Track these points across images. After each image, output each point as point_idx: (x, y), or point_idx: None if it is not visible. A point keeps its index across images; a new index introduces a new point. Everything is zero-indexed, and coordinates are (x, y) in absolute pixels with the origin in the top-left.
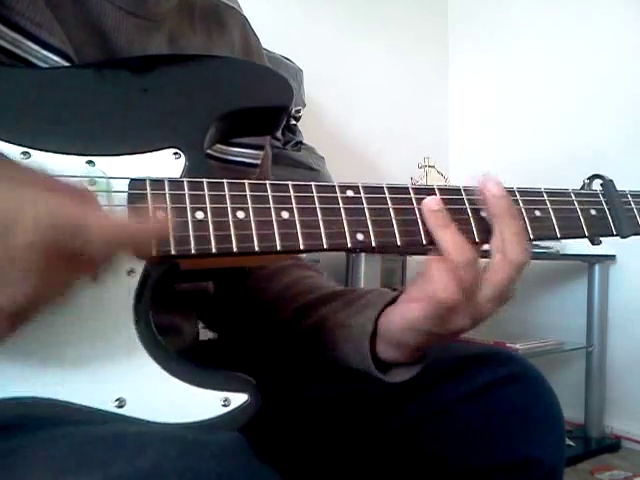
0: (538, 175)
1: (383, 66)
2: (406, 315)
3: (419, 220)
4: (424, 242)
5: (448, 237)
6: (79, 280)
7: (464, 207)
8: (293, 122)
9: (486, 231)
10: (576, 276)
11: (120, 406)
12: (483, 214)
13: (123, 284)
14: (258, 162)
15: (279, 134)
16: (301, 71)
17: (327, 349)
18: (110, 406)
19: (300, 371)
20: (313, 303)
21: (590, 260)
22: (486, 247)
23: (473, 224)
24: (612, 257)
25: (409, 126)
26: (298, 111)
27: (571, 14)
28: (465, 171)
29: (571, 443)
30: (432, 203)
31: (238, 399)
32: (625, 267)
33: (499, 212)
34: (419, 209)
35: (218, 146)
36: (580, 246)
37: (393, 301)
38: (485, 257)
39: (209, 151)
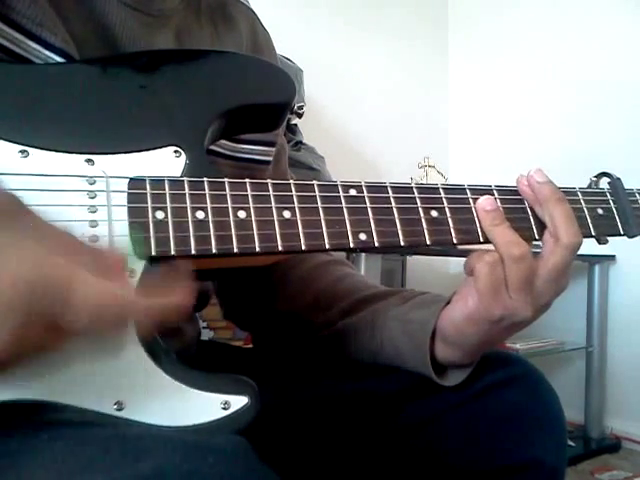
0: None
1: (383, 66)
2: (464, 310)
3: (423, 219)
4: (428, 242)
5: (506, 233)
6: (62, 344)
7: (470, 206)
8: (294, 122)
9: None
10: (576, 276)
11: (119, 409)
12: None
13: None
14: (269, 159)
15: None
16: (301, 71)
17: (376, 344)
18: (109, 409)
19: (301, 372)
20: (366, 299)
21: (590, 260)
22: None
23: (477, 222)
24: (612, 257)
25: (409, 126)
26: (301, 107)
27: (571, 13)
28: (465, 171)
29: (571, 443)
30: (486, 203)
31: (238, 402)
32: (625, 267)
33: (546, 197)
34: (422, 208)
35: (227, 143)
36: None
37: (449, 302)
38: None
39: (218, 149)
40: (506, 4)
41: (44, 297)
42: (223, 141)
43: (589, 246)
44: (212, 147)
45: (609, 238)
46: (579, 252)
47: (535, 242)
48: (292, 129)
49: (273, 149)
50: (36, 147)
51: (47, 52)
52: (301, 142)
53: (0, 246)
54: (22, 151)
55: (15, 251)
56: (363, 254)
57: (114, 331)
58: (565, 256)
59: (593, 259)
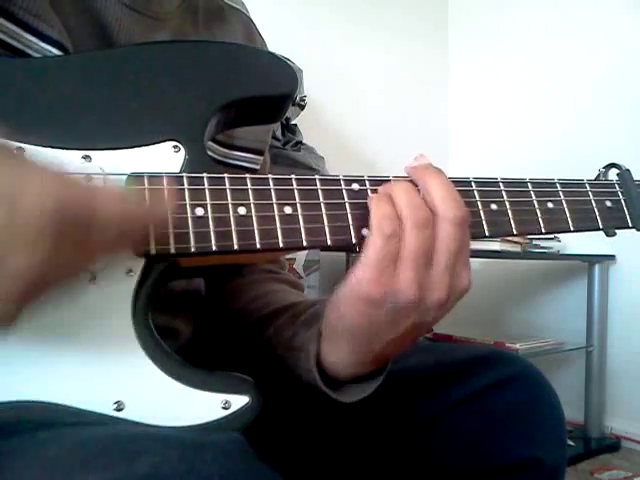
0: (539, 175)
1: (383, 66)
2: (346, 286)
3: None
4: None
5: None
6: (87, 266)
7: (475, 199)
8: (293, 122)
9: (495, 224)
10: (576, 276)
11: (119, 409)
12: (493, 207)
13: (122, 284)
14: (257, 167)
15: (279, 134)
16: (301, 71)
17: (281, 366)
18: (109, 409)
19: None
20: (266, 318)
21: (590, 260)
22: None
23: (483, 216)
24: (612, 257)
25: (409, 126)
26: (303, 99)
27: (571, 12)
28: (465, 171)
29: (571, 443)
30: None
31: (239, 401)
32: (625, 267)
33: (420, 171)
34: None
35: (219, 148)
36: (580, 246)
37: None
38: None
39: (210, 153)
40: (506, 3)
41: (71, 218)
42: (215, 145)
43: (589, 246)
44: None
45: (609, 238)
46: (579, 252)
47: (538, 241)
48: (292, 129)
49: (262, 158)
50: (32, 144)
51: (43, 44)
52: (301, 142)
53: (19, 174)
54: (18, 148)
55: (34, 178)
56: None
57: (137, 241)
58: (450, 233)
59: (593, 259)
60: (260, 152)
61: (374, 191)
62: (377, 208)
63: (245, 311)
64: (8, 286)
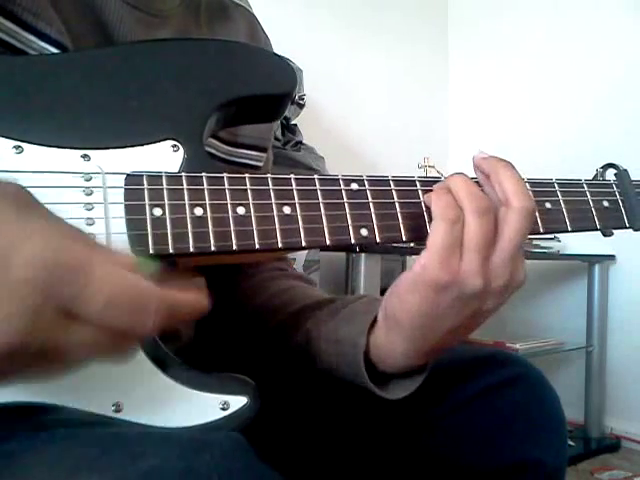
0: (539, 175)
1: (383, 66)
2: (408, 274)
3: (425, 214)
4: None
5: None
6: (73, 356)
7: None
8: (293, 122)
9: None
10: (576, 276)
11: (118, 410)
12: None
13: None
14: (261, 164)
15: (279, 134)
16: (301, 71)
17: (319, 368)
18: (108, 411)
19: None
20: (298, 312)
21: (590, 260)
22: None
23: None
24: (612, 257)
25: (409, 126)
26: (302, 97)
27: (571, 14)
28: (465, 171)
29: (571, 443)
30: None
31: (237, 402)
32: (625, 267)
33: (492, 164)
34: (425, 202)
35: (222, 146)
36: (580, 246)
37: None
38: None
39: (213, 151)
40: (506, 5)
41: (61, 278)
42: (218, 143)
43: (589, 246)
44: (207, 149)
45: (609, 238)
46: (579, 252)
47: (538, 241)
48: (292, 129)
49: (265, 155)
50: (30, 142)
51: (42, 43)
52: (301, 142)
53: (19, 228)
54: (16, 147)
55: (33, 233)
56: (363, 254)
57: (129, 321)
58: (518, 222)
59: (593, 259)
60: (263, 149)
61: (373, 191)
62: (438, 199)
63: (267, 308)
64: None
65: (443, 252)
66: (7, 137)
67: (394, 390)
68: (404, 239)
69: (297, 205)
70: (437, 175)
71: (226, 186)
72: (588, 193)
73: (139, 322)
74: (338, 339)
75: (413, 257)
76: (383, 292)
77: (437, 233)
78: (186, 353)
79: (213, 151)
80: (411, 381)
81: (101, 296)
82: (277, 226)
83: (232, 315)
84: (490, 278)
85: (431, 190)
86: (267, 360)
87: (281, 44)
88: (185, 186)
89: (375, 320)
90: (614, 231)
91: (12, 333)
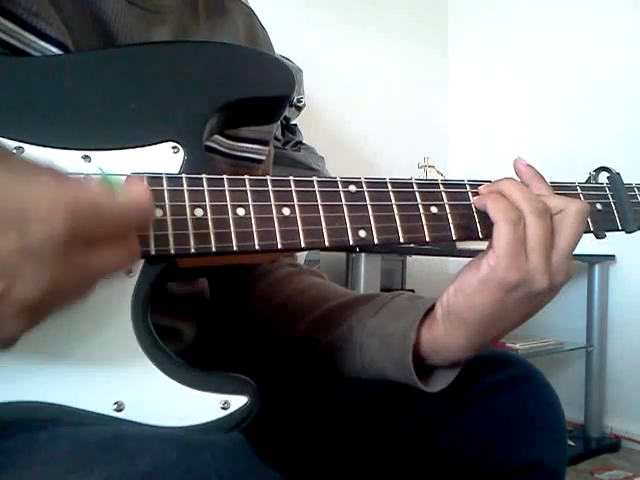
0: None
1: (383, 66)
2: (477, 274)
3: (422, 216)
4: (427, 239)
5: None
6: (100, 274)
7: (469, 202)
8: (293, 122)
9: (489, 226)
10: (576, 276)
11: (119, 410)
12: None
13: (121, 285)
14: (263, 158)
15: (279, 134)
16: (301, 71)
17: (357, 362)
18: (109, 410)
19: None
20: (337, 308)
21: (590, 260)
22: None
23: (476, 218)
24: (612, 257)
25: (409, 126)
26: (300, 100)
27: (570, 13)
28: (465, 171)
29: (571, 443)
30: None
31: (238, 402)
32: (625, 267)
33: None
34: (422, 205)
35: (225, 141)
36: (580, 246)
37: (432, 307)
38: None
39: (216, 145)
40: (505, 4)
41: (81, 215)
42: (221, 138)
43: (589, 246)
44: (209, 144)
45: (609, 238)
46: (579, 252)
47: None
48: (292, 129)
49: (267, 148)
50: (31, 143)
51: (43, 43)
52: (301, 142)
53: (31, 175)
54: (17, 147)
55: (46, 179)
56: (363, 254)
57: (137, 228)
58: (576, 222)
59: (593, 259)
60: (265, 142)
61: (371, 193)
62: (495, 203)
63: (294, 305)
64: (17, 309)
65: (510, 253)
66: (9, 138)
67: (434, 382)
68: (401, 241)
69: (296, 207)
70: (437, 175)
71: (226, 187)
72: (581, 196)
73: (144, 225)
74: (387, 333)
75: (413, 257)
76: (383, 292)
77: (502, 235)
78: (190, 353)
79: (216, 146)
80: (453, 372)
81: (116, 217)
82: (277, 227)
83: (243, 315)
84: (554, 275)
85: (428, 192)
86: (277, 358)
87: (281, 44)
88: (185, 187)
89: (425, 316)
90: (607, 233)
91: (46, 282)
